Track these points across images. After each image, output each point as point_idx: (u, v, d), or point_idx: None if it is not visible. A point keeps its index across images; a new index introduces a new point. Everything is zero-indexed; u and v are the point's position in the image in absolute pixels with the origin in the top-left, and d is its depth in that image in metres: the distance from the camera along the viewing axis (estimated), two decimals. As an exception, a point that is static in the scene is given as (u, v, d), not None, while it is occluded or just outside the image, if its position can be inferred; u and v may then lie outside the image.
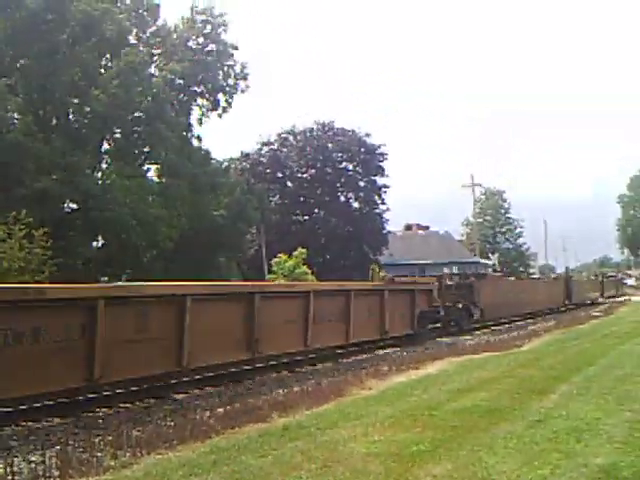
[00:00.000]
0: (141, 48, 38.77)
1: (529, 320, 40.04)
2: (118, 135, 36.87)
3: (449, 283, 33.20)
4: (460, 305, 31.60)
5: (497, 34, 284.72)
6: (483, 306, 33.11)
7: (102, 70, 35.39)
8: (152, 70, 39.92)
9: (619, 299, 67.50)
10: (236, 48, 42.89)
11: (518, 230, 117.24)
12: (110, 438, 10.22)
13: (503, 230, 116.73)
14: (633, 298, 67.67)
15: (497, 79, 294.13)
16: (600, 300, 63.44)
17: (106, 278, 34.42)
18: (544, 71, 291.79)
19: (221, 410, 12.42)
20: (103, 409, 13.23)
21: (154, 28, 41.27)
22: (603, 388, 12.62)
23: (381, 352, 23.40)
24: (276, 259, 42.43)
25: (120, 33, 35.70)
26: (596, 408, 10.78)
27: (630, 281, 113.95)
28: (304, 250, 41.69)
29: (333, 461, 8.15)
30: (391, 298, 24.16)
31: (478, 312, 32.80)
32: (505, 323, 37.01)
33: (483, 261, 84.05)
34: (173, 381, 15.81)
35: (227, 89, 43.20)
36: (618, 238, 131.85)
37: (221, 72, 42.70)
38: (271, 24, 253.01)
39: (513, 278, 57.13)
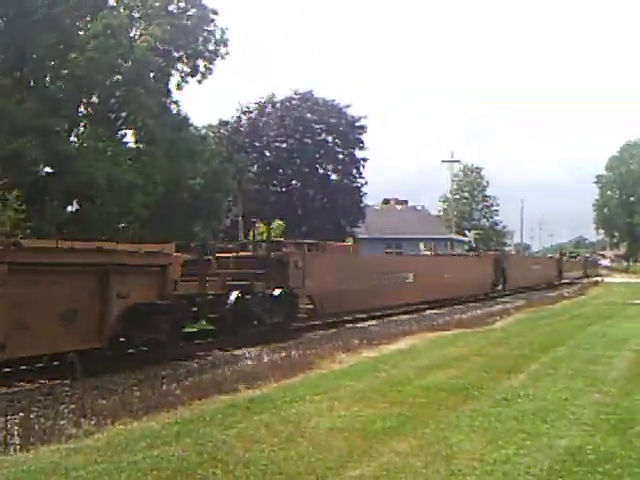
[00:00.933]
0: (121, 10, 38.14)
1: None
2: (95, 99, 36.35)
3: (232, 256, 20.94)
4: (261, 293, 19.44)
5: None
6: (315, 294, 22.24)
7: (81, 32, 34.78)
8: (132, 34, 39.38)
9: (592, 279, 65.64)
10: (216, 13, 42.32)
11: (495, 208, 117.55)
12: (74, 406, 10.13)
13: (480, 207, 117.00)
14: (607, 279, 67.55)
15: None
16: (557, 283, 56.56)
17: (79, 243, 34.07)
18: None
19: (189, 381, 12.35)
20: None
21: (135, -10, 40.65)
22: (571, 369, 12.67)
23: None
24: (254, 229, 42.25)
25: (99, -5, 35.15)
26: (564, 389, 10.81)
27: (605, 262, 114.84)
28: (281, 222, 41.54)
29: (297, 435, 8.12)
30: (16, 281, 12.21)
31: (306, 304, 22.26)
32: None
33: (460, 237, 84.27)
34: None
35: (207, 55, 42.70)
36: (595, 219, 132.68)
37: (201, 37, 42.16)
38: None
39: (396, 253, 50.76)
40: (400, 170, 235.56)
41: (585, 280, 65.08)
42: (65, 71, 33.57)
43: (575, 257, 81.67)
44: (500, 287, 41.44)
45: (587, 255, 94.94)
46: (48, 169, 33.94)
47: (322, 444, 7.76)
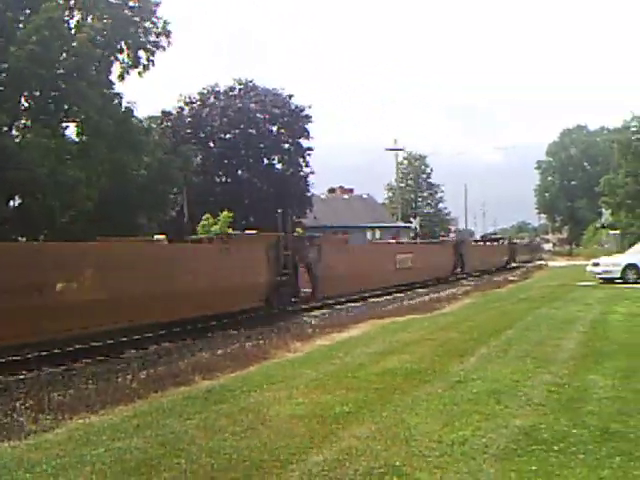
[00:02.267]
0: (60, 1, 37.53)
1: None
2: (37, 93, 35.80)
3: None
4: None
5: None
6: None
7: (20, 26, 34.21)
8: (71, 25, 38.82)
9: (525, 266, 59.16)
10: (157, 4, 41.92)
11: (439, 195, 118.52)
12: (31, 402, 10.07)
13: (425, 195, 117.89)
14: (551, 263, 68.06)
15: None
16: (457, 277, 43.65)
17: (24, 239, 33.70)
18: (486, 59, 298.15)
19: (144, 374, 12.34)
20: (23, 372, 13.02)
21: (73, -18, 40.03)
22: (521, 351, 12.91)
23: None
24: (203, 222, 42.01)
25: (38, -14, 34.65)
26: (515, 370, 11.02)
27: (548, 246, 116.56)
28: (230, 214, 41.35)
29: (258, 424, 8.20)
30: None
31: None
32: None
33: (405, 225, 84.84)
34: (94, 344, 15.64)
35: (148, 46, 42.27)
36: (536, 203, 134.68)
37: (141, 29, 41.68)
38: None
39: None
40: (346, 159, 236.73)
41: (522, 267, 57.65)
42: (5, 65, 33.03)
43: (498, 240, 68.14)
44: (302, 296, 25.42)
45: (518, 239, 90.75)
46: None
47: (283, 431, 7.85)
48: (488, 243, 62.04)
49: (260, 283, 22.22)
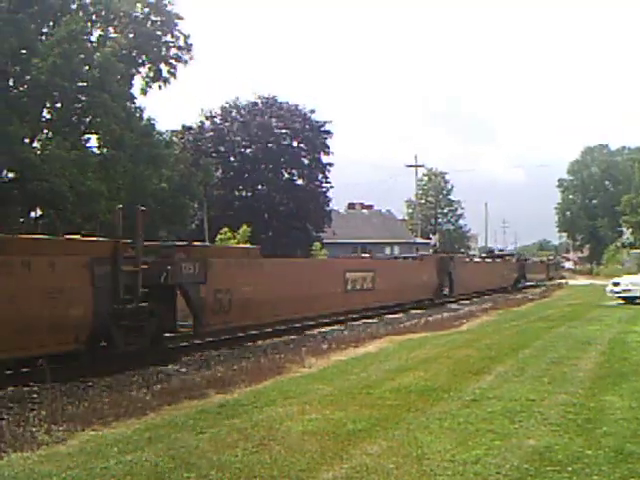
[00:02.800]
0: (81, 14, 37.80)
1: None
2: (59, 105, 36.05)
3: None
4: None
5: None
6: None
7: (43, 38, 34.53)
8: (93, 37, 39.13)
9: (536, 288, 52.86)
10: (181, 18, 42.19)
11: (459, 212, 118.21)
12: (44, 413, 10.06)
13: (445, 211, 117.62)
14: (571, 282, 67.57)
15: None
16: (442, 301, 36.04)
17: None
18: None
19: (158, 387, 12.31)
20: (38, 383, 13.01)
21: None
22: (538, 370, 12.80)
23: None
24: (220, 235, 42.16)
25: (63, 0, 35.00)
26: (531, 390, 10.92)
27: (568, 264, 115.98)
28: (248, 228, 41.47)
29: (269, 439, 8.15)
30: None
31: None
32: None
33: (424, 241, 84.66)
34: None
35: (170, 60, 42.47)
36: (557, 222, 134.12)
37: (164, 43, 41.87)
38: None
39: None
40: (366, 174, 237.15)
41: (537, 287, 53.75)
42: (28, 77, 33.32)
43: (505, 257, 60.54)
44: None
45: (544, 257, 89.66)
46: (11, 175, 33.69)
47: (295, 447, 7.80)
48: (489, 260, 55.25)
49: (74, 316, 13.74)
